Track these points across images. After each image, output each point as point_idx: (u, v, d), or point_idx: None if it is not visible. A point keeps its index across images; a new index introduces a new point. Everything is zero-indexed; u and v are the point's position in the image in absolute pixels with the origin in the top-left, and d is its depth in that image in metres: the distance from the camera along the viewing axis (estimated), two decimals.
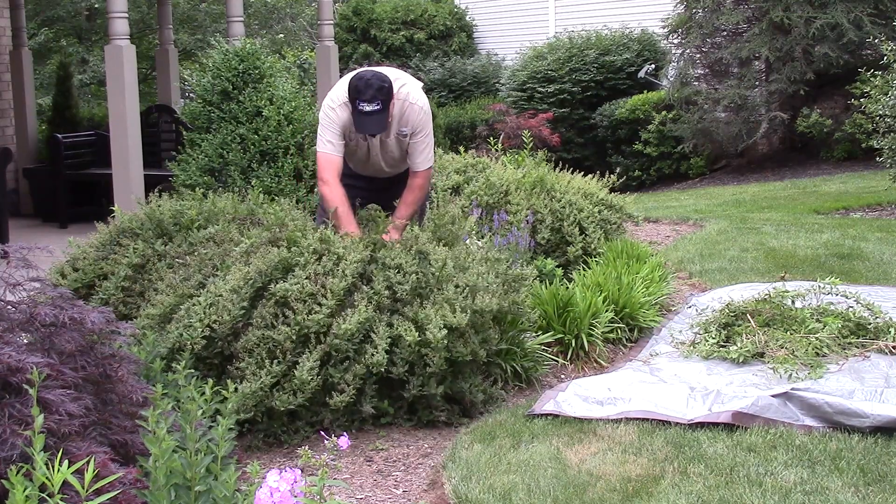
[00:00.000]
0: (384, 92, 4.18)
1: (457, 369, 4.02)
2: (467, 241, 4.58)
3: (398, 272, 3.97)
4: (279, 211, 4.48)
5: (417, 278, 3.96)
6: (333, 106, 4.38)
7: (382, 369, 3.79)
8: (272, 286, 3.87)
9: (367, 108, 4.16)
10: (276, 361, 3.74)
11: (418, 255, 4.08)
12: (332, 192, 4.36)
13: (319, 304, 3.80)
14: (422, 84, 4.61)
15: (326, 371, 3.80)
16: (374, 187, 4.74)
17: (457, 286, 3.99)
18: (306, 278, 3.88)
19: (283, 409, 3.72)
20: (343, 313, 3.81)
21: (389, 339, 3.82)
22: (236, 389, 3.57)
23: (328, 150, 4.39)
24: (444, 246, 4.16)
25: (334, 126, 4.37)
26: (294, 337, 3.76)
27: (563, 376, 4.61)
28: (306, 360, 3.73)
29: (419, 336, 3.77)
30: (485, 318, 4.07)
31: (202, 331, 3.78)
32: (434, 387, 3.90)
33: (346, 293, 3.90)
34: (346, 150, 4.54)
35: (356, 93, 4.18)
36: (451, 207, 4.50)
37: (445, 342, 3.79)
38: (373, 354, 3.76)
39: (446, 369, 3.93)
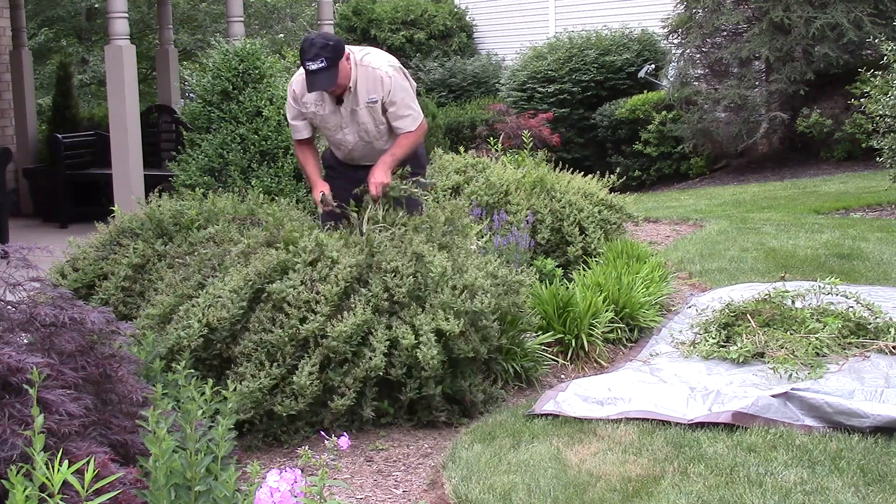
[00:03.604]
0: (328, 49, 4.28)
1: (456, 368, 4.02)
2: (473, 248, 4.55)
3: (395, 276, 3.96)
4: (278, 212, 4.48)
5: (415, 280, 3.96)
6: (291, 82, 4.64)
7: (381, 372, 3.79)
8: (269, 287, 3.87)
9: (312, 66, 4.28)
10: (275, 364, 3.74)
11: (415, 256, 4.07)
12: (303, 159, 4.74)
13: (314, 312, 3.79)
14: (398, 62, 4.59)
15: (326, 374, 3.79)
16: (361, 177, 4.63)
17: (454, 287, 3.98)
18: (301, 283, 3.87)
19: (284, 413, 3.72)
20: (340, 316, 3.80)
21: (388, 342, 3.82)
22: (234, 389, 3.57)
23: (295, 136, 4.73)
24: (441, 249, 4.15)
25: (292, 106, 4.61)
26: (289, 339, 3.76)
27: (563, 376, 4.61)
28: (305, 364, 3.72)
29: (416, 340, 3.77)
30: (487, 321, 4.05)
31: (200, 329, 3.78)
32: (432, 387, 3.90)
33: (343, 296, 3.90)
34: (323, 128, 4.68)
35: (302, 54, 4.33)
36: (449, 209, 4.47)
37: (439, 350, 3.78)
38: (371, 358, 3.76)
39: (446, 369, 3.93)
